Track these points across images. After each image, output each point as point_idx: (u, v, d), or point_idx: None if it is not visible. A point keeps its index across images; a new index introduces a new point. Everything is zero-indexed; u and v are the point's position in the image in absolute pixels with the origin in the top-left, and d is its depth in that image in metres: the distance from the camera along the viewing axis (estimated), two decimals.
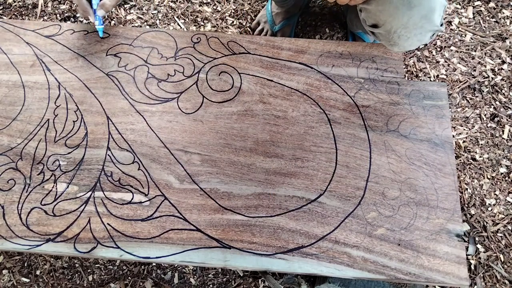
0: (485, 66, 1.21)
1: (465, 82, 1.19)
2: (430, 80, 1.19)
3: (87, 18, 0.76)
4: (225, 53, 0.89)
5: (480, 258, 0.99)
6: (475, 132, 1.13)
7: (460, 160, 1.09)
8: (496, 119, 1.14)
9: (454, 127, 1.13)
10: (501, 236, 1.01)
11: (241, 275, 0.98)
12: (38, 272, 0.99)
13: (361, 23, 0.86)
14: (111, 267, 0.99)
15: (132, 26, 1.29)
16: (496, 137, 1.12)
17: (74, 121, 0.83)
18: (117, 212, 0.74)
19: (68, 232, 0.72)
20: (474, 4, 1.31)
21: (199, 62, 0.88)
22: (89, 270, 0.99)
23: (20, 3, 1.35)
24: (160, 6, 1.33)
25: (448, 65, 1.22)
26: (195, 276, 0.98)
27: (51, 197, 0.75)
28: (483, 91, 1.17)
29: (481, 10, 1.30)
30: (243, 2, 1.33)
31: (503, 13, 1.29)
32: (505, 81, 1.19)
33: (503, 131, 1.13)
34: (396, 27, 0.73)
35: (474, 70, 1.21)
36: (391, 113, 0.82)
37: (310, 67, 0.87)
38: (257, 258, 0.70)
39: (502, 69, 1.21)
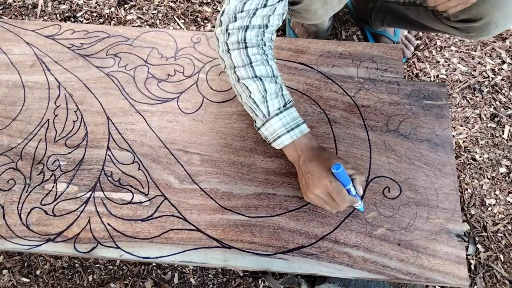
0: (485, 66, 1.21)
1: (465, 82, 1.19)
2: (430, 80, 1.19)
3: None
4: None
5: (480, 258, 0.99)
6: (475, 132, 1.13)
7: (460, 160, 1.09)
8: (496, 119, 1.14)
9: (454, 127, 1.13)
10: (501, 236, 1.01)
11: (241, 275, 0.98)
12: (38, 272, 0.99)
13: (431, 20, 0.88)
14: (111, 267, 0.99)
15: (132, 26, 1.29)
16: (496, 137, 1.12)
17: (74, 121, 0.83)
18: (117, 212, 0.74)
19: (68, 232, 0.72)
20: None
21: (199, 62, 0.88)
22: (89, 270, 0.99)
23: (20, 3, 1.35)
24: (160, 6, 1.33)
25: (448, 65, 1.22)
26: (195, 276, 0.98)
27: (51, 197, 0.75)
28: (483, 91, 1.17)
29: None
30: None
31: None
32: (505, 81, 1.19)
33: (503, 131, 1.13)
34: (497, 17, 0.76)
35: (474, 70, 1.21)
36: (391, 113, 0.82)
37: (310, 67, 0.87)
38: (257, 258, 0.70)
39: (502, 69, 1.21)
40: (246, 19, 0.68)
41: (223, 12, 0.69)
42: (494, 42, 1.24)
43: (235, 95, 0.85)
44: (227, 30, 0.68)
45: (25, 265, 1.00)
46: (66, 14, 1.32)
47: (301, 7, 0.81)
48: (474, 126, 1.13)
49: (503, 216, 1.03)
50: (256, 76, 0.68)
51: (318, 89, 0.85)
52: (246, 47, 0.68)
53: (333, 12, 0.89)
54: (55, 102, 0.85)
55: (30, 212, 0.74)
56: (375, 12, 1.11)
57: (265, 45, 0.71)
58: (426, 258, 0.69)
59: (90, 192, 0.75)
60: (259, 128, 0.73)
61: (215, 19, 1.31)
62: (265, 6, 0.67)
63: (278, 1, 0.68)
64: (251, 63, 0.68)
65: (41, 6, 1.34)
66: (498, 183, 1.06)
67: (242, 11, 0.67)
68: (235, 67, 0.69)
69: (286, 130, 0.69)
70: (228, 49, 0.69)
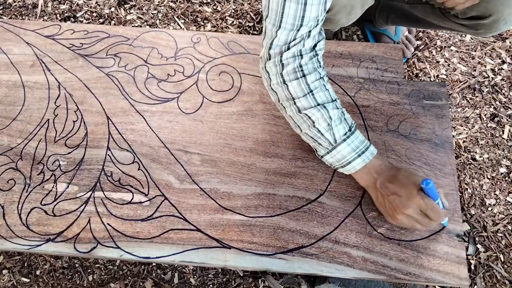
0: (485, 66, 1.21)
1: (465, 82, 1.19)
2: (430, 80, 1.19)
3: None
4: (225, 53, 0.89)
5: (480, 258, 0.99)
6: (475, 132, 1.13)
7: (460, 160, 1.09)
8: (496, 119, 1.14)
9: (454, 127, 1.13)
10: (501, 236, 1.01)
11: (241, 275, 0.98)
12: (38, 272, 0.99)
13: (438, 17, 0.87)
14: (111, 267, 0.99)
15: (132, 26, 1.29)
16: (496, 137, 1.12)
17: (74, 121, 0.83)
18: (117, 212, 0.74)
19: (68, 232, 0.72)
20: None
21: (199, 62, 0.88)
22: (89, 270, 0.99)
23: (20, 3, 1.35)
24: (160, 6, 1.33)
25: (448, 65, 1.22)
26: (195, 276, 0.98)
27: (51, 197, 0.75)
28: (483, 91, 1.17)
29: None
30: (243, 2, 1.33)
31: None
32: (505, 81, 1.19)
33: (503, 131, 1.13)
34: (507, 14, 0.76)
35: (474, 70, 1.21)
36: (391, 113, 0.82)
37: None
38: (257, 258, 0.70)
39: (502, 69, 1.21)
40: (300, 44, 0.65)
41: (270, 45, 0.65)
42: (494, 42, 1.24)
43: (235, 95, 0.85)
44: (281, 61, 0.66)
45: (25, 265, 1.00)
46: (66, 14, 1.32)
47: (326, 16, 0.78)
48: (474, 126, 1.13)
49: (503, 216, 1.03)
50: (319, 104, 0.65)
51: None
52: (304, 76, 0.66)
53: (354, 20, 0.89)
54: (55, 102, 0.85)
55: (30, 212, 0.74)
56: (379, 10, 1.11)
57: (320, 66, 0.68)
58: (426, 258, 0.69)
59: (90, 192, 0.75)
60: (322, 156, 0.71)
61: (215, 19, 1.31)
62: (317, 25, 0.64)
63: (324, 16, 0.65)
64: (311, 91, 0.66)
65: (41, 6, 1.34)
66: (498, 183, 1.06)
67: (295, 39, 0.64)
68: (294, 98, 0.66)
69: (357, 154, 0.67)
70: (284, 81, 0.66)
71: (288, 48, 0.65)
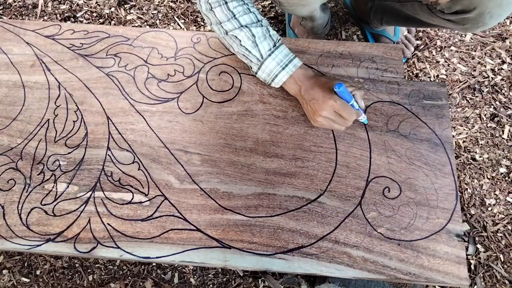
0: (485, 66, 1.21)
1: (465, 82, 1.19)
2: (430, 80, 1.19)
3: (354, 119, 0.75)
4: (225, 53, 0.89)
5: (480, 258, 0.99)
6: (475, 132, 1.13)
7: (460, 160, 1.09)
8: (496, 119, 1.14)
9: (454, 127, 1.13)
10: (501, 236, 1.01)
11: (241, 275, 0.98)
12: (38, 272, 0.99)
13: (426, 14, 0.88)
14: (111, 267, 0.99)
15: (132, 26, 1.29)
16: (496, 137, 1.12)
17: (74, 121, 0.83)
18: (117, 212, 0.74)
19: (68, 232, 0.72)
20: None
21: (199, 62, 0.88)
22: (89, 270, 0.99)
23: (20, 3, 1.35)
24: (160, 6, 1.33)
25: (448, 65, 1.22)
26: (195, 276, 0.98)
27: (51, 197, 0.75)
28: (483, 91, 1.17)
29: None
30: None
31: None
32: (505, 81, 1.19)
33: (503, 131, 1.13)
34: (491, 7, 0.75)
35: (474, 70, 1.21)
36: (391, 113, 0.82)
37: (310, 67, 0.87)
38: (257, 258, 0.70)
39: (502, 69, 1.21)
40: None
41: None
42: (494, 42, 1.24)
43: (235, 95, 0.85)
44: None
45: (25, 265, 1.00)
46: (66, 14, 1.32)
47: None
48: (474, 126, 1.13)
49: (503, 216, 1.03)
50: (242, 26, 0.73)
51: None
52: (226, 3, 0.73)
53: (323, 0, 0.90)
54: (55, 102, 0.85)
55: (30, 212, 0.74)
56: (373, 12, 1.11)
57: None
58: (426, 258, 0.69)
59: (90, 192, 0.75)
60: (256, 73, 0.78)
61: None
62: None
63: None
64: (234, 16, 0.73)
65: (41, 6, 1.34)
66: (498, 183, 1.06)
67: None
68: (220, 23, 0.74)
69: (281, 67, 0.74)
70: (211, 7, 0.74)
71: None
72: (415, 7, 0.91)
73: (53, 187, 0.76)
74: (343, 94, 0.70)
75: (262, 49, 0.74)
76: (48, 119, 0.83)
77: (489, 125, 1.13)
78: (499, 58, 1.22)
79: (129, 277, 0.98)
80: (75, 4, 1.34)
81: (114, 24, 1.31)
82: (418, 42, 1.25)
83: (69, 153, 0.79)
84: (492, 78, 1.19)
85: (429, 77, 1.19)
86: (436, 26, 0.93)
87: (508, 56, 1.22)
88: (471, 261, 0.98)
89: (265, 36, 0.74)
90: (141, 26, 1.30)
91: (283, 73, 0.75)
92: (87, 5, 1.34)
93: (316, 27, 1.17)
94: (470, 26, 0.82)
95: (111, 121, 0.82)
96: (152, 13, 1.32)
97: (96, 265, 0.99)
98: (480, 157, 1.09)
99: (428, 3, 0.84)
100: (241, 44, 0.74)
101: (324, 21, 1.19)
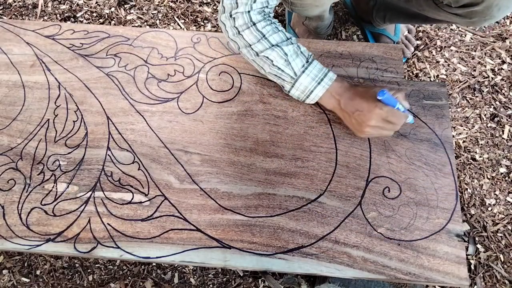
0: (485, 66, 1.21)
1: (465, 82, 1.19)
2: (430, 80, 1.19)
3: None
4: (225, 53, 0.89)
5: (480, 258, 0.99)
6: (475, 132, 1.13)
7: (460, 160, 1.09)
8: (496, 119, 1.14)
9: (454, 127, 1.13)
10: (501, 236, 1.01)
11: (241, 275, 0.98)
12: (38, 272, 0.99)
13: (433, 9, 0.87)
14: (111, 267, 0.99)
15: (132, 26, 1.29)
16: (496, 137, 1.12)
17: (74, 121, 0.83)
18: (117, 212, 0.74)
19: (68, 232, 0.72)
20: None
21: (199, 62, 0.89)
22: (89, 270, 0.99)
23: (20, 3, 1.35)
24: (160, 6, 1.33)
25: (448, 65, 1.22)
26: (195, 276, 0.98)
27: (51, 197, 0.75)
28: (483, 91, 1.17)
29: None
30: None
31: None
32: (505, 81, 1.19)
33: (503, 131, 1.13)
34: None
35: (474, 70, 1.21)
36: None
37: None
38: (257, 258, 0.70)
39: (502, 69, 1.21)
40: (247, 5, 0.70)
41: None
42: (494, 42, 1.24)
43: (235, 95, 0.85)
44: (231, 15, 0.71)
45: (25, 265, 1.00)
46: (66, 14, 1.32)
47: None
48: (474, 126, 1.13)
49: (503, 216, 1.03)
50: (273, 45, 0.72)
51: None
52: (254, 24, 0.72)
53: (324, 2, 0.89)
54: (55, 102, 0.85)
55: (30, 212, 0.74)
56: (376, 10, 1.11)
57: (269, 17, 0.73)
58: (426, 258, 0.69)
59: (90, 192, 0.75)
60: (289, 91, 0.76)
61: (215, 19, 1.31)
62: None
63: None
64: (264, 36, 0.72)
65: (41, 6, 1.34)
66: (498, 183, 1.06)
67: None
68: (250, 45, 0.73)
69: (316, 82, 0.73)
70: (239, 31, 0.72)
71: (237, 5, 0.70)
72: (420, 3, 0.90)
73: (53, 187, 0.76)
74: (387, 100, 0.68)
75: (295, 66, 0.72)
76: (48, 119, 0.83)
77: (489, 125, 1.13)
78: (499, 58, 1.22)
79: (129, 277, 0.98)
80: (75, 4, 1.34)
81: (114, 24, 1.31)
82: (418, 42, 1.25)
83: (69, 153, 0.79)
84: (492, 78, 1.19)
85: (429, 77, 1.19)
86: (442, 21, 0.93)
87: (508, 56, 1.22)
88: (471, 261, 0.98)
89: (297, 53, 0.73)
90: (141, 26, 1.30)
91: (319, 88, 0.73)
92: (87, 5, 1.34)
93: (321, 27, 1.17)
94: (478, 19, 0.81)
95: (111, 121, 0.82)
96: (152, 13, 1.32)
97: (96, 265, 0.99)
98: (480, 157, 1.09)
99: None
100: (273, 64, 0.72)
101: (329, 21, 1.19)
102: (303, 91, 0.74)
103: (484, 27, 1.27)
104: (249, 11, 0.71)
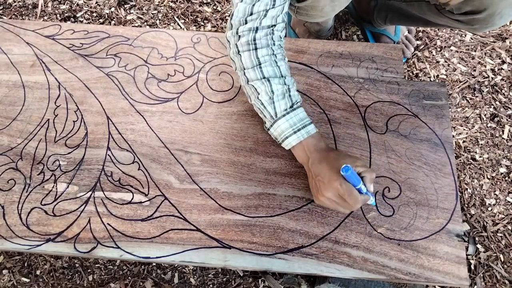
0: (485, 66, 1.21)
1: (465, 82, 1.19)
2: (430, 80, 1.19)
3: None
4: (225, 53, 0.89)
5: (480, 258, 0.99)
6: (475, 132, 1.13)
7: (460, 160, 1.09)
8: (496, 119, 1.14)
9: (454, 127, 1.13)
10: (501, 236, 1.01)
11: (241, 275, 0.98)
12: (38, 272, 0.99)
13: (434, 14, 0.87)
14: (111, 267, 0.99)
15: (132, 26, 1.29)
16: (496, 137, 1.12)
17: (74, 121, 0.83)
18: (117, 212, 0.74)
19: (68, 232, 0.72)
20: None
21: (199, 62, 0.89)
22: (89, 270, 0.99)
23: (20, 3, 1.35)
24: (160, 6, 1.33)
25: (448, 65, 1.22)
26: (195, 276, 0.98)
27: (51, 197, 0.75)
28: (483, 91, 1.17)
29: None
30: None
31: None
32: (505, 81, 1.19)
33: (503, 131, 1.13)
34: (502, 7, 0.75)
35: (474, 70, 1.21)
36: (391, 113, 0.82)
37: (310, 67, 0.87)
38: (257, 258, 0.70)
39: (502, 69, 1.21)
40: (257, 21, 0.69)
41: (232, 15, 0.70)
42: (494, 42, 1.24)
43: (235, 95, 0.85)
44: (237, 32, 0.70)
45: (25, 265, 1.00)
46: (66, 14, 1.32)
47: (309, 4, 0.81)
48: (474, 126, 1.13)
49: (503, 216, 1.03)
50: (264, 78, 0.70)
51: (318, 89, 0.85)
52: (255, 49, 0.70)
53: (340, 8, 0.88)
54: (55, 102, 0.85)
55: (30, 212, 0.74)
56: (377, 10, 1.11)
57: (274, 44, 0.72)
58: (426, 258, 0.69)
59: (90, 192, 0.75)
60: (268, 129, 0.74)
61: (215, 19, 1.31)
62: (273, 6, 0.68)
63: (285, 0, 0.69)
64: (259, 64, 0.70)
65: (41, 6, 1.34)
66: (498, 183, 1.06)
67: (251, 14, 0.68)
68: (244, 69, 0.71)
69: (293, 131, 0.70)
70: (238, 51, 0.71)
71: (246, 22, 0.69)
72: (422, 7, 0.90)
73: (53, 187, 0.76)
74: (350, 178, 0.63)
75: (278, 107, 0.70)
76: (48, 119, 0.83)
77: (489, 125, 1.13)
78: (499, 58, 1.22)
79: (129, 277, 0.98)
80: (75, 4, 1.34)
81: (114, 24, 1.31)
82: (418, 42, 1.25)
83: (69, 153, 0.79)
84: (492, 78, 1.19)
85: (429, 77, 1.19)
86: (443, 26, 0.93)
87: (508, 56, 1.22)
88: (471, 261, 0.98)
89: (284, 95, 0.70)
90: (141, 26, 1.30)
91: (294, 137, 0.70)
92: (87, 5, 1.34)
93: (322, 30, 1.17)
94: (479, 26, 0.81)
95: (111, 121, 0.82)
96: (152, 13, 1.32)
97: (96, 265, 0.99)
98: (480, 157, 1.09)
99: (437, 3, 0.84)
100: (258, 97, 0.71)
101: (331, 24, 1.19)
102: (279, 134, 0.71)
103: None
104: (257, 29, 0.69)
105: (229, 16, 0.71)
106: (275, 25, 0.71)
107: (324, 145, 0.71)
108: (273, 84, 0.69)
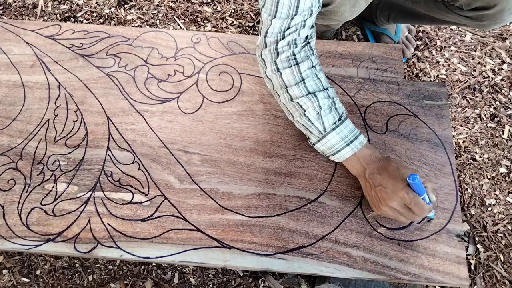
0: (485, 66, 1.21)
1: (465, 82, 1.19)
2: (430, 80, 1.19)
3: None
4: (225, 53, 0.89)
5: (480, 258, 0.99)
6: (475, 132, 1.13)
7: (460, 160, 1.09)
8: (496, 119, 1.14)
9: (454, 127, 1.13)
10: (501, 236, 1.01)
11: (241, 275, 0.98)
12: (38, 272, 0.99)
13: (442, 11, 0.86)
14: (111, 267, 0.99)
15: (132, 26, 1.29)
16: (496, 137, 1.12)
17: (74, 121, 0.83)
18: (117, 212, 0.74)
19: (68, 232, 0.72)
20: None
21: (199, 62, 0.89)
22: (89, 270, 0.99)
23: (20, 3, 1.35)
24: (160, 6, 1.33)
25: (448, 65, 1.22)
26: (195, 276, 0.98)
27: (51, 197, 0.75)
28: (483, 91, 1.17)
29: None
30: (243, 2, 1.33)
31: None
32: (505, 81, 1.19)
33: (503, 131, 1.13)
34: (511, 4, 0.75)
35: (474, 70, 1.21)
36: (391, 113, 0.82)
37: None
38: (257, 258, 0.70)
39: (502, 69, 1.21)
40: (295, 33, 0.66)
41: (266, 32, 0.67)
42: (494, 42, 1.24)
43: (235, 95, 0.85)
44: (276, 49, 0.67)
45: (25, 265, 1.00)
46: (66, 14, 1.32)
47: (330, 9, 0.80)
48: (474, 126, 1.13)
49: (503, 216, 1.03)
50: (309, 93, 0.67)
51: None
52: (297, 64, 0.67)
53: (358, 13, 0.88)
54: (55, 102, 0.85)
55: (30, 212, 0.74)
56: (380, 9, 1.11)
57: (312, 54, 0.70)
58: (426, 258, 0.69)
59: (90, 192, 0.75)
60: (314, 144, 0.73)
61: (215, 19, 1.31)
62: (311, 15, 0.66)
63: (318, 7, 0.66)
64: (303, 80, 0.68)
65: (41, 6, 1.34)
66: (498, 183, 1.06)
67: (289, 27, 0.66)
68: (286, 86, 0.69)
69: (345, 143, 0.69)
70: (278, 68, 0.68)
71: (283, 37, 0.67)
72: (429, 4, 0.90)
73: (53, 187, 0.76)
74: (416, 186, 0.62)
75: (326, 121, 0.68)
76: (48, 119, 0.83)
77: (489, 125, 1.13)
78: (499, 58, 1.22)
79: (129, 277, 0.98)
80: (75, 4, 1.34)
81: (114, 24, 1.31)
82: (418, 42, 1.25)
83: (69, 153, 0.79)
84: (492, 78, 1.19)
85: (429, 77, 1.19)
86: (449, 23, 0.92)
87: (508, 56, 1.22)
88: (471, 261, 0.98)
89: (331, 108, 0.68)
90: (141, 26, 1.30)
91: (347, 149, 0.69)
92: (87, 5, 1.34)
93: (328, 32, 1.17)
94: (488, 22, 0.81)
95: (111, 121, 0.82)
96: (152, 13, 1.32)
97: (96, 265, 0.99)
98: (480, 157, 1.09)
99: (445, 0, 0.84)
100: (304, 114, 0.68)
101: (337, 28, 1.19)
102: (329, 148, 0.70)
103: None
104: (295, 41, 0.67)
105: (261, 35, 0.68)
106: (309, 35, 0.69)
107: (379, 154, 0.70)
108: (319, 99, 0.67)
